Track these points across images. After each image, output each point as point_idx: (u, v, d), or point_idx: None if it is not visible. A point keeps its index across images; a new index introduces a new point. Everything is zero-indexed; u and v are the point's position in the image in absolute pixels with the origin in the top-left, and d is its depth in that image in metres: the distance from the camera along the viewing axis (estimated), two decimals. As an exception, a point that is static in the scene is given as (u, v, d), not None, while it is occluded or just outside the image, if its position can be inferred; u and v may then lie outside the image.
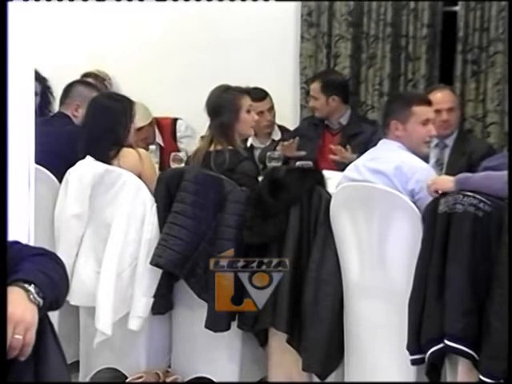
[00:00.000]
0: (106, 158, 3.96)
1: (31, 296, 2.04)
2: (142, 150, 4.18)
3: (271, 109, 5.29)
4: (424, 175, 3.52)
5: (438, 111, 4.63)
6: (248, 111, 4.15)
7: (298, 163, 4.57)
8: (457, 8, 5.55)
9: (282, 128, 5.44)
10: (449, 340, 3.15)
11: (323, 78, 5.27)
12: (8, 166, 2.33)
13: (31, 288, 2.05)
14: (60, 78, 5.09)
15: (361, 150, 4.04)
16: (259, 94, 5.20)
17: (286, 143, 4.95)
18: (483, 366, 3.11)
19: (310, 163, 4.47)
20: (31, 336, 2.01)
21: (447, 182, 3.35)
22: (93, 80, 5.70)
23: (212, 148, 4.07)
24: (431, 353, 3.23)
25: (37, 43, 2.77)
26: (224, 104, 4.09)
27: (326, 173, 3.96)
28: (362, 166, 3.72)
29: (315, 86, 5.23)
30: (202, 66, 5.85)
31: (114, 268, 3.88)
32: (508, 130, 3.25)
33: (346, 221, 3.62)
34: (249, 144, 5.23)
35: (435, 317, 3.23)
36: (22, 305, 2.01)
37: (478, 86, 5.47)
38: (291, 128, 5.52)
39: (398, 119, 3.77)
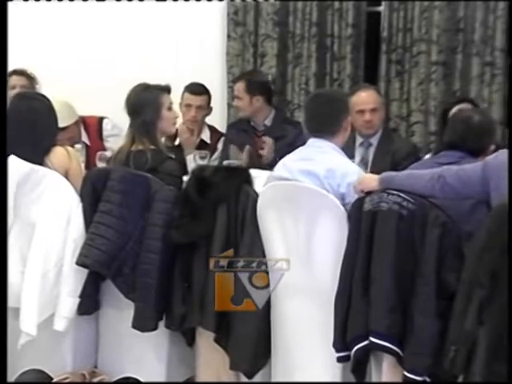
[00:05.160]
0: (36, 157, 3.91)
1: None
2: (70, 148, 4.13)
3: (200, 108, 5.27)
4: (354, 179, 3.51)
5: (361, 111, 4.71)
6: (169, 108, 4.09)
7: (224, 162, 4.59)
8: (381, 8, 5.63)
9: (211, 128, 5.43)
10: (374, 337, 3.18)
11: (247, 78, 5.30)
12: (7, 169, 2.30)
13: None
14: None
15: (283, 153, 4.03)
16: (195, 88, 5.26)
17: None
18: (407, 363, 3.16)
19: (235, 162, 4.49)
20: None
21: (372, 180, 3.39)
22: (20, 77, 5.63)
23: (134, 148, 4.01)
24: (357, 350, 3.26)
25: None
26: (144, 102, 4.02)
27: (253, 171, 3.96)
28: (292, 165, 3.72)
29: (239, 86, 5.25)
30: (128, 64, 5.82)
31: (40, 268, 3.83)
32: (508, 130, 3.26)
33: (272, 219, 3.64)
34: (177, 143, 5.21)
35: (361, 314, 3.26)
36: None
37: (402, 85, 5.56)
38: (220, 128, 5.52)
39: (348, 116, 3.80)
